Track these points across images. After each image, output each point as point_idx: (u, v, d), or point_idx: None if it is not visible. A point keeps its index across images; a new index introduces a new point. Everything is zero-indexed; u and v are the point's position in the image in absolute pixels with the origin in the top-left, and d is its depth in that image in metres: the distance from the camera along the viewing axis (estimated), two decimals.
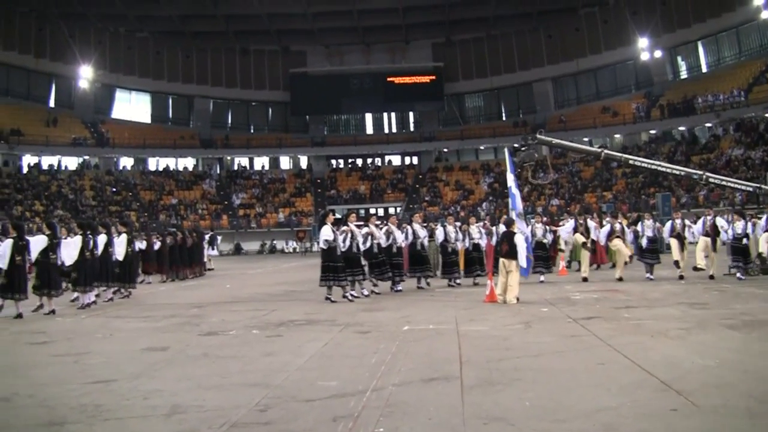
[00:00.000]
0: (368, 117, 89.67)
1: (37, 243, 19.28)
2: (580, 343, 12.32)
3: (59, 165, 76.64)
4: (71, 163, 78.09)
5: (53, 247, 19.44)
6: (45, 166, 75.51)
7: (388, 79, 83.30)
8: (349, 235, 20.14)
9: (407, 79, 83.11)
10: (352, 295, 20.31)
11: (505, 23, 79.17)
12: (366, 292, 20.92)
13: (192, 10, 75.24)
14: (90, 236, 20.79)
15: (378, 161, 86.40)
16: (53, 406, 8.77)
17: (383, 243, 21.67)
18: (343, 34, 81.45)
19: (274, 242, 72.79)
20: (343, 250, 19.84)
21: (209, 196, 78.10)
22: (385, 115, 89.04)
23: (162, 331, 15.47)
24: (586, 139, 72.17)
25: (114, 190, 75.30)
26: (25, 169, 73.99)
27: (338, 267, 19.64)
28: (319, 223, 20.68)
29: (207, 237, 40.13)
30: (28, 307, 18.99)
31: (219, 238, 46.84)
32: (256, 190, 79.88)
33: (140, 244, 29.98)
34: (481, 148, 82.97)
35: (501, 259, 18.92)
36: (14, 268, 18.46)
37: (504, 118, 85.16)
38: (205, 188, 79.34)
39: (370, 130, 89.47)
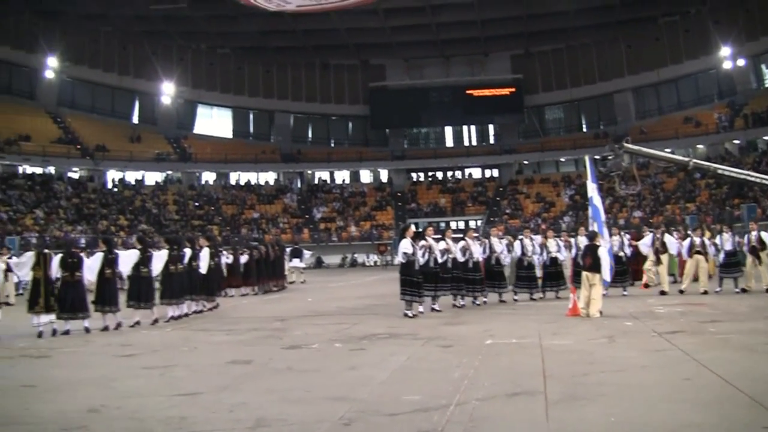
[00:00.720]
0: (448, 130, 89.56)
1: (129, 257, 19.74)
2: (665, 357, 12.16)
3: (143, 180, 77.79)
4: (154, 178, 79.24)
5: (145, 261, 19.86)
6: (129, 181, 76.69)
7: (467, 91, 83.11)
8: (428, 249, 20.09)
9: (486, 92, 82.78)
10: (433, 309, 20.29)
11: (584, 34, 78.42)
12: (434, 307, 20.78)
13: (271, 26, 75.76)
14: (176, 250, 21.19)
15: (458, 174, 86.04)
16: (141, 418, 8.90)
17: (459, 258, 21.53)
18: (422, 47, 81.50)
19: (355, 255, 72.94)
20: (421, 264, 19.78)
21: (290, 210, 78.59)
22: (465, 127, 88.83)
23: (245, 344, 15.59)
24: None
25: (196, 204, 76.23)
26: (109, 184, 75.26)
27: (414, 281, 19.44)
28: (399, 236, 20.60)
29: (288, 250, 40.41)
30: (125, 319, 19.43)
31: (308, 253, 46.86)
32: (336, 204, 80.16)
33: (227, 258, 30.43)
34: (562, 160, 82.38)
35: (584, 273, 18.68)
36: (104, 281, 18.87)
37: (584, 130, 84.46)
38: (286, 202, 79.86)
39: (450, 143, 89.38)
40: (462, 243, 21.91)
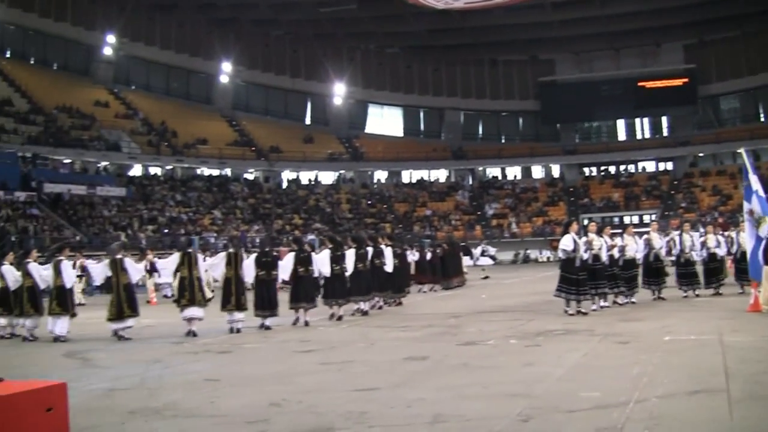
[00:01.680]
0: (620, 123, 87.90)
1: (324, 257, 20.60)
2: None
3: (316, 179, 79.20)
4: (328, 177, 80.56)
5: (337, 259, 20.54)
6: (303, 181, 78.23)
7: (639, 83, 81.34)
8: (590, 245, 19.69)
9: (659, 83, 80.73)
10: (601, 306, 19.93)
11: (760, 20, 75.42)
12: (602, 304, 20.31)
13: (439, 24, 75.86)
14: (362, 249, 21.95)
15: (631, 168, 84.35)
16: (321, 412, 9.09)
17: (616, 254, 20.97)
18: (592, 40, 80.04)
19: (528, 252, 72.40)
20: (583, 260, 19.33)
21: (462, 207, 78.60)
22: (637, 120, 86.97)
23: (421, 340, 15.74)
24: None
25: (369, 202, 77.09)
26: (284, 184, 76.91)
27: (571, 279, 18.88)
28: (562, 231, 20.25)
29: (478, 248, 41.26)
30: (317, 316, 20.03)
31: (492, 249, 46.83)
32: (508, 200, 79.72)
33: (413, 256, 31.28)
34: (739, 151, 79.37)
35: (766, 267, 18.02)
36: (298, 279, 19.66)
37: (762, 119, 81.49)
38: (458, 199, 79.90)
39: (622, 136, 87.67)
40: (619, 239, 21.43)
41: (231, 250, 19.43)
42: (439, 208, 77.90)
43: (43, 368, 14.14)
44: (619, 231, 22.79)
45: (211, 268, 19.39)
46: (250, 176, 76.21)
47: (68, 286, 18.58)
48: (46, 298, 18.83)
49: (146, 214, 59.57)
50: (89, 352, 15.96)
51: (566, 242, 19.02)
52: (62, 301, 18.18)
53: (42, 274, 18.67)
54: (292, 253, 19.98)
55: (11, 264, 19.53)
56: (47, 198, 54.66)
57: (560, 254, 19.48)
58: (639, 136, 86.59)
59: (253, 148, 75.35)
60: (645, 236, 22.73)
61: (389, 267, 23.33)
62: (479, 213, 77.86)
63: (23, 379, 9.14)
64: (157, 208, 61.52)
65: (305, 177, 79.26)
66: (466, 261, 41.12)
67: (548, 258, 68.21)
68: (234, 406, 9.65)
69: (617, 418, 8.08)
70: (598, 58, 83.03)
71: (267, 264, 19.17)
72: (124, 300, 18.07)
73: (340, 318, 20.39)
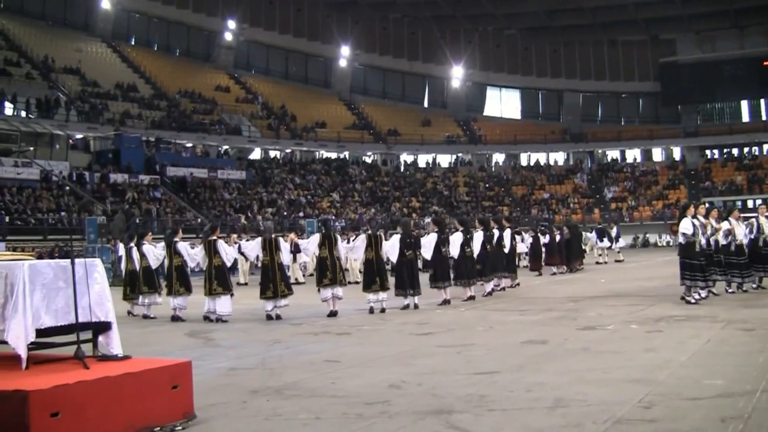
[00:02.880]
0: (743, 104, 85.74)
1: (456, 239, 20.82)
2: None
3: (434, 162, 79.44)
4: (445, 160, 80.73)
5: (467, 241, 20.92)
6: (421, 164, 78.57)
7: (765, 63, 79.17)
8: (704, 229, 19.13)
9: None
10: (729, 292, 19.46)
11: None
12: (729, 290, 19.68)
13: (558, 4, 75.31)
14: (490, 231, 22.67)
15: (755, 150, 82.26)
16: (440, 394, 9.11)
17: (721, 239, 20.26)
18: (714, 18, 78.19)
19: (647, 235, 71.43)
20: (702, 245, 18.52)
21: (581, 190, 77.91)
22: (762, 101, 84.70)
23: (540, 324, 15.65)
24: None
25: (487, 185, 77.00)
26: (402, 167, 77.38)
27: (695, 265, 17.95)
28: (679, 215, 19.68)
29: (613, 231, 41.91)
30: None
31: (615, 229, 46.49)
32: (628, 183, 78.71)
33: (544, 239, 32.76)
34: None
35: None
36: (439, 259, 20.32)
37: None
38: (576, 182, 79.23)
39: (746, 117, 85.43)
40: (725, 224, 20.66)
41: (374, 232, 20.01)
42: (557, 191, 77.43)
43: (168, 347, 14.50)
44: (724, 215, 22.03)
45: (352, 250, 19.80)
46: (368, 159, 77.08)
47: (228, 264, 19.04)
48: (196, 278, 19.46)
49: (266, 197, 60.67)
50: (212, 332, 16.36)
51: (686, 225, 18.17)
52: (223, 281, 18.47)
53: (190, 252, 19.12)
54: (435, 234, 20.44)
55: (150, 243, 20.30)
56: (170, 181, 56.05)
57: (680, 239, 18.72)
58: (764, 118, 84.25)
59: (371, 131, 75.95)
60: (750, 220, 21.90)
61: (508, 248, 23.95)
62: (598, 196, 77.04)
63: (150, 356, 9.40)
64: (277, 191, 62.57)
65: (423, 160, 79.78)
66: (605, 243, 41.42)
67: (668, 242, 67.22)
68: (354, 387, 9.76)
69: (744, 408, 7.90)
70: (721, 37, 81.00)
71: (410, 245, 19.67)
72: (279, 280, 18.40)
73: (470, 298, 20.73)
